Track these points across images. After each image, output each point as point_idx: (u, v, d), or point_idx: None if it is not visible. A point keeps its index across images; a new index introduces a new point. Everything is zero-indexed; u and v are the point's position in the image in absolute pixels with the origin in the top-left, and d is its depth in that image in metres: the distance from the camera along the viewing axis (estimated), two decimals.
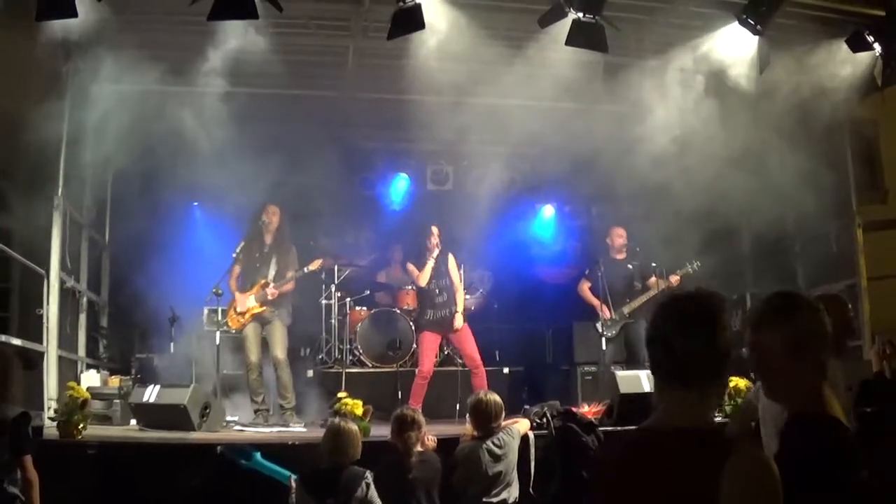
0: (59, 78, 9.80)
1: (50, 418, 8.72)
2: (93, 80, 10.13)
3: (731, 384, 9.51)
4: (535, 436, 8.04)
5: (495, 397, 7.37)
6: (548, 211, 15.82)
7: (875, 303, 11.64)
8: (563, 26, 9.63)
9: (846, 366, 4.84)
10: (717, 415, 9.69)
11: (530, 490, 7.72)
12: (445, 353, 12.41)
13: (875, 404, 8.22)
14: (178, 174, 10.89)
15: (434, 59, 10.06)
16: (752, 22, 9.88)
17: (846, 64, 10.70)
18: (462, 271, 11.71)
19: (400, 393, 11.16)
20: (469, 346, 10.91)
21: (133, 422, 9.82)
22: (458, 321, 10.90)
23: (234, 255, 10.84)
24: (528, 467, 7.81)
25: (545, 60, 10.45)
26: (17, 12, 9.38)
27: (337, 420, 6.76)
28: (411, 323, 12.84)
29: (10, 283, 11.96)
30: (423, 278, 11.00)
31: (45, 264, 10.26)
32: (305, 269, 11.04)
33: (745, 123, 10.93)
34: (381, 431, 8.21)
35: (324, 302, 13.30)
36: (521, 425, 7.69)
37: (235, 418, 10.50)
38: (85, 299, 12.14)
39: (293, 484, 6.49)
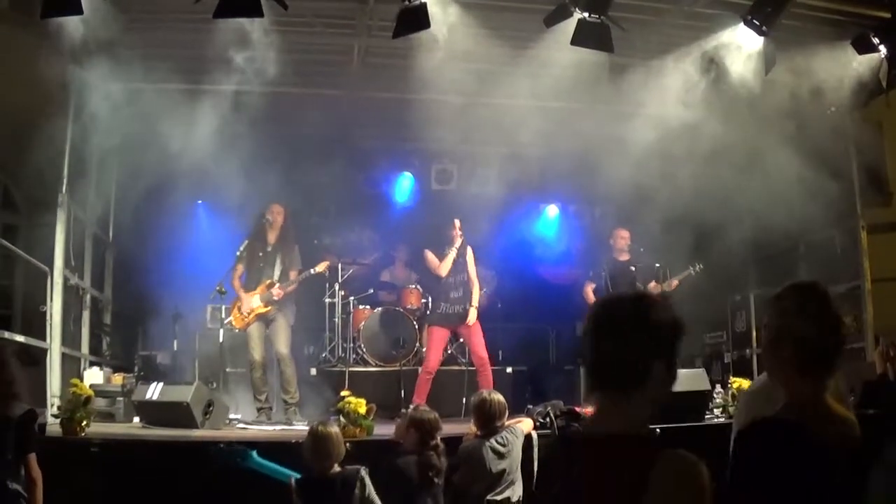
0: (63, 76, 9.80)
1: (53, 415, 8.73)
2: (97, 79, 10.14)
3: (735, 385, 9.52)
4: (539, 435, 8.03)
5: (499, 397, 7.36)
6: (552, 211, 15.83)
7: (879, 305, 11.63)
8: (569, 26, 9.62)
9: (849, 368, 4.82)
10: (714, 416, 9.75)
11: (533, 489, 7.71)
12: (448, 352, 12.39)
13: (878, 406, 8.21)
14: (183, 172, 10.89)
15: (439, 58, 10.05)
16: (757, 23, 9.87)
17: (851, 66, 10.69)
18: (476, 267, 11.66)
19: (403, 392, 11.16)
20: (479, 342, 10.89)
21: (136, 419, 9.83)
22: (472, 316, 10.90)
23: (237, 254, 10.83)
24: (531, 467, 7.80)
25: (550, 60, 10.43)
26: (22, 10, 9.39)
27: (316, 424, 6.61)
28: (415, 322, 12.85)
29: (14, 281, 12.00)
30: (444, 268, 11.00)
31: (49, 262, 10.26)
32: (312, 271, 11.06)
33: (750, 125, 10.93)
34: (384, 430, 8.22)
35: (327, 300, 13.29)
36: (525, 425, 7.67)
37: (238, 416, 10.50)
38: (88, 297, 12.14)
39: (293, 483, 6.46)
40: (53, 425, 8.40)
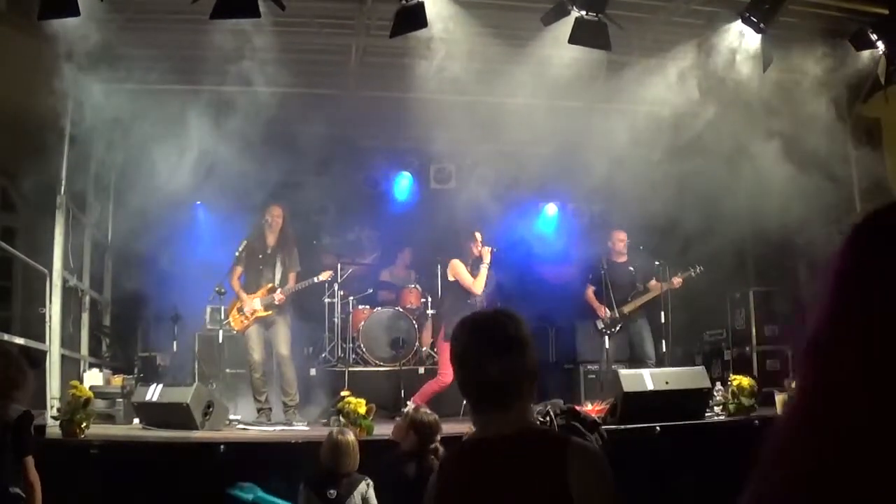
0: (61, 77, 9.78)
1: (53, 417, 8.72)
2: (95, 79, 10.13)
3: (735, 382, 9.52)
4: None
5: None
6: (551, 209, 15.81)
7: None
8: (567, 24, 9.64)
9: None
10: (714, 414, 9.74)
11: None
12: None
13: None
14: (181, 173, 10.88)
15: (437, 57, 10.06)
16: (755, 20, 9.89)
17: (850, 62, 10.70)
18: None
19: (403, 392, 11.15)
20: None
21: (136, 421, 9.81)
22: None
23: (236, 255, 10.81)
24: None
25: (548, 59, 10.45)
26: (20, 12, 9.40)
27: (334, 432, 6.76)
28: (415, 322, 12.84)
29: (13, 282, 11.99)
30: (479, 285, 10.73)
31: (48, 263, 10.25)
32: (315, 279, 11.06)
33: (748, 122, 10.93)
34: (384, 430, 8.22)
35: (327, 300, 13.27)
36: None
37: (238, 417, 10.50)
38: (87, 298, 12.15)
39: (302, 484, 6.52)
40: (53, 427, 8.39)
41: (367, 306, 13.46)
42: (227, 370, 11.15)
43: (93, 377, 11.09)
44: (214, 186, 11.32)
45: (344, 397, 8.81)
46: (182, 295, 11.67)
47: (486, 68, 10.65)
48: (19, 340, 9.09)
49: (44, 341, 9.85)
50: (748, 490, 1.26)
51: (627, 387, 9.00)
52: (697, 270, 11.61)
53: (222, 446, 7.83)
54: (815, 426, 1.22)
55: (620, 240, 12.08)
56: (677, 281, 11.55)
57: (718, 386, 10.09)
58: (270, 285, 10.82)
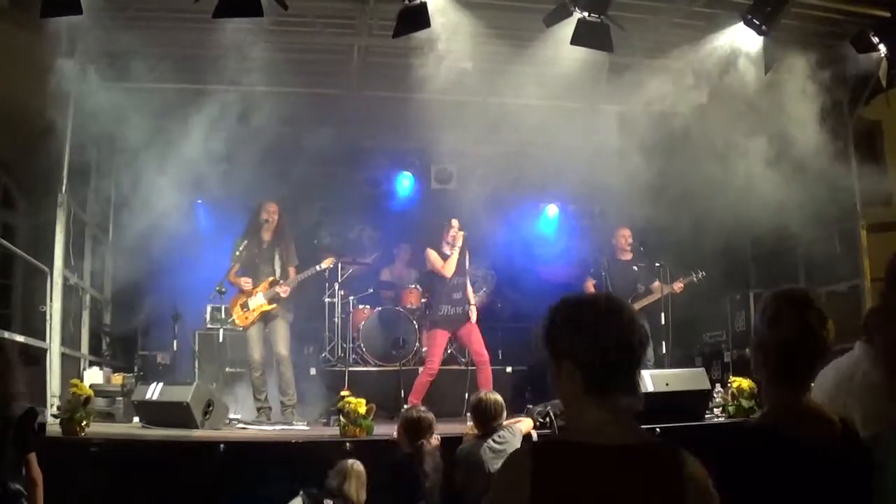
0: (63, 75, 9.79)
1: (53, 415, 8.72)
2: (97, 77, 10.13)
3: (735, 384, 9.51)
4: (539, 435, 8.02)
5: (496, 397, 7.35)
6: (551, 210, 15.83)
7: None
8: (569, 25, 9.64)
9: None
10: (714, 416, 9.75)
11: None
12: (448, 351, 12.36)
13: None
14: (182, 171, 10.88)
15: (439, 57, 10.06)
16: (757, 22, 9.88)
17: (851, 65, 10.70)
18: (471, 268, 11.65)
19: (403, 391, 11.16)
20: (478, 340, 10.87)
21: (136, 419, 9.82)
22: (474, 314, 10.93)
23: (236, 254, 10.78)
24: None
25: (550, 59, 10.46)
26: (22, 10, 9.40)
27: (349, 463, 6.77)
28: (415, 322, 12.83)
29: (14, 280, 11.99)
30: (449, 269, 10.90)
31: (49, 261, 10.25)
32: (318, 268, 11.05)
33: (750, 123, 10.93)
34: (384, 430, 8.22)
35: (327, 300, 13.27)
36: (524, 424, 7.67)
37: (238, 416, 10.49)
38: (88, 296, 12.15)
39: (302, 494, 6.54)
40: (53, 425, 8.39)
41: (368, 306, 13.47)
42: (227, 369, 11.15)
43: (93, 375, 11.09)
44: (215, 185, 11.32)
45: (344, 397, 8.82)
46: (182, 294, 11.66)
47: (488, 69, 10.66)
48: (19, 338, 9.09)
49: (44, 339, 9.85)
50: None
51: None
52: (699, 276, 11.62)
53: (222, 445, 7.83)
54: None
55: (624, 236, 12.07)
56: (679, 286, 11.56)
57: (718, 388, 10.10)
58: (271, 279, 10.81)
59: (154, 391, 9.41)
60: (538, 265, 14.89)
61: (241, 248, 10.77)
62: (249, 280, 10.78)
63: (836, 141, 11.12)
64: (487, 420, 7.19)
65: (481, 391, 7.82)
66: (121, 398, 10.44)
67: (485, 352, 10.80)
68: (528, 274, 14.51)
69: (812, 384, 3.24)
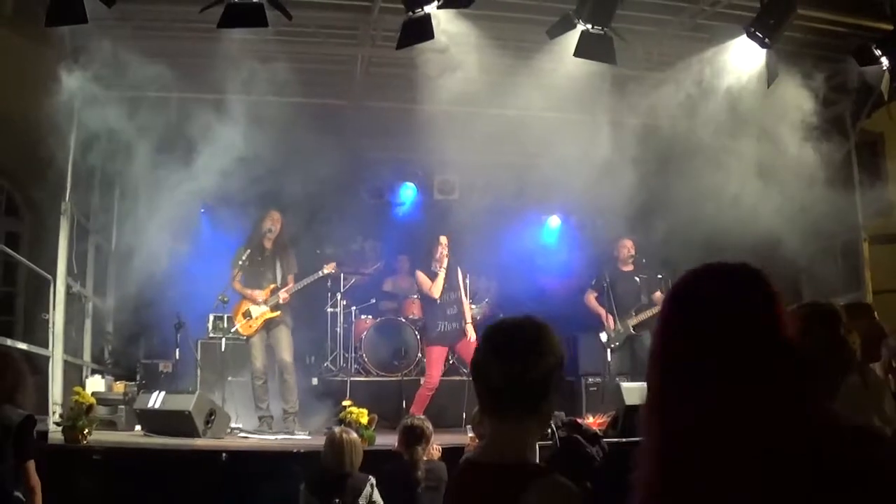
0: (67, 84, 9.82)
1: (55, 423, 8.73)
2: (102, 86, 10.15)
3: None
4: (540, 446, 8.01)
5: None
6: (554, 221, 15.84)
7: (881, 316, 11.60)
8: (572, 38, 9.65)
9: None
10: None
11: None
12: (450, 362, 12.35)
13: None
14: (186, 180, 10.90)
15: (442, 68, 10.08)
16: (760, 35, 9.88)
17: (853, 77, 10.71)
18: (467, 281, 11.67)
19: (405, 402, 11.17)
20: None
21: (138, 427, 9.82)
22: (472, 334, 10.90)
23: (240, 263, 10.79)
24: None
25: (553, 71, 10.47)
26: (27, 18, 9.43)
27: (336, 430, 6.79)
28: (417, 332, 12.83)
29: (17, 288, 12.01)
30: (437, 290, 10.89)
31: (52, 269, 10.26)
32: (321, 273, 11.07)
33: (752, 136, 10.94)
34: (386, 440, 8.22)
35: (329, 310, 13.29)
36: None
37: (240, 425, 10.49)
38: (91, 304, 12.16)
39: (303, 484, 6.53)
40: (55, 433, 8.40)
41: (370, 316, 13.49)
42: (230, 378, 11.14)
43: (95, 383, 11.09)
44: (218, 194, 11.34)
45: (346, 407, 8.83)
46: (185, 302, 11.67)
47: (492, 80, 10.67)
48: (22, 346, 9.10)
49: (47, 347, 9.85)
50: None
51: (629, 400, 9.00)
52: None
53: (224, 454, 7.84)
54: None
55: (626, 247, 12.03)
56: None
57: None
58: (273, 286, 10.83)
59: (156, 400, 9.41)
60: (540, 276, 14.90)
61: (244, 257, 10.77)
62: (258, 292, 10.79)
63: (838, 153, 11.14)
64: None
65: None
66: (123, 406, 10.46)
67: None
68: (530, 285, 14.51)
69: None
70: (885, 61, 10.13)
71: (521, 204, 14.50)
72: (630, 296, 11.77)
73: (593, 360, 12.60)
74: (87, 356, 11.92)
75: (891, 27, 10.20)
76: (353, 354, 12.98)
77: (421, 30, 9.33)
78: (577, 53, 9.67)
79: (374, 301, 13.92)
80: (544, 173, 12.98)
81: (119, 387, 11.09)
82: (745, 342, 2.07)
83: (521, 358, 2.59)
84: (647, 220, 12.17)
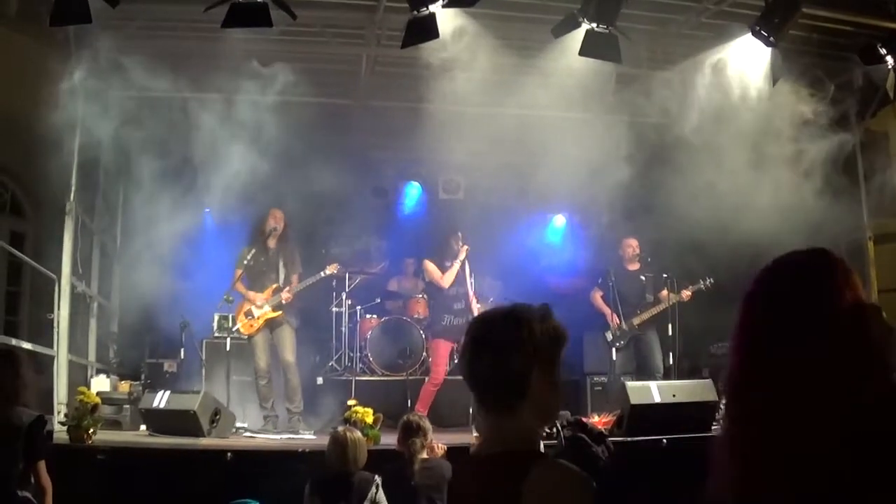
0: (72, 83, 9.83)
1: (60, 423, 8.73)
2: (106, 87, 10.17)
3: None
4: (545, 446, 8.00)
5: None
6: (559, 220, 15.83)
7: (886, 316, 11.58)
8: (577, 37, 9.65)
9: None
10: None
11: None
12: (455, 360, 12.34)
13: None
14: (191, 180, 10.91)
15: (447, 68, 10.07)
16: (765, 33, 9.87)
17: (857, 76, 10.69)
18: (473, 279, 11.67)
19: (410, 401, 11.16)
20: None
21: (143, 427, 9.83)
22: None
23: (244, 263, 10.78)
24: None
25: (558, 70, 10.46)
26: (31, 18, 9.44)
27: (340, 430, 6.81)
28: (422, 332, 12.83)
29: (22, 287, 12.01)
30: (448, 280, 10.95)
31: (57, 269, 10.27)
32: (323, 273, 11.06)
33: (757, 135, 10.92)
34: (391, 439, 8.22)
35: (335, 309, 13.29)
36: None
37: (245, 425, 10.50)
38: (96, 304, 12.16)
39: (308, 483, 6.54)
40: (60, 433, 8.40)
41: (375, 315, 13.49)
42: (234, 377, 11.14)
43: (100, 383, 11.09)
44: (223, 194, 11.34)
45: (351, 406, 8.83)
46: (190, 302, 11.67)
47: (497, 79, 10.66)
48: (27, 346, 9.10)
49: (52, 347, 9.86)
50: None
51: (635, 399, 8.99)
52: (708, 283, 11.56)
53: (229, 454, 7.84)
54: None
55: (631, 246, 12.02)
56: (687, 294, 11.50)
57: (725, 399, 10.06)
58: (276, 286, 10.82)
59: (161, 399, 9.42)
60: (545, 275, 14.89)
61: (248, 257, 10.76)
62: (258, 294, 10.78)
63: (843, 152, 11.12)
64: None
65: None
66: (128, 406, 10.44)
67: None
68: (535, 284, 14.50)
69: None
70: (890, 60, 10.12)
71: (526, 203, 14.50)
72: (635, 294, 11.77)
73: (598, 360, 12.59)
74: (92, 356, 11.91)
75: None
76: (359, 354, 12.99)
77: (426, 29, 9.32)
78: (583, 52, 9.66)
79: (378, 300, 13.92)
80: (549, 172, 12.98)
81: (124, 386, 11.09)
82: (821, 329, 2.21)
83: (497, 349, 2.56)
84: (652, 219, 12.15)
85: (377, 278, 14.42)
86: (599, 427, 8.61)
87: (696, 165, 10.74)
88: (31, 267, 10.92)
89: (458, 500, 2.76)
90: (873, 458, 1.99)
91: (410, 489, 6.77)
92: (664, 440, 8.37)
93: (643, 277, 11.89)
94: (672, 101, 10.84)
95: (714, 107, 10.74)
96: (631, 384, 9.54)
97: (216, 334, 12.04)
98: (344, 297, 13.18)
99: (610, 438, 8.27)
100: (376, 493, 6.35)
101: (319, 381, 12.31)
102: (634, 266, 12.00)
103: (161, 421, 9.36)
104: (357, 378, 12.15)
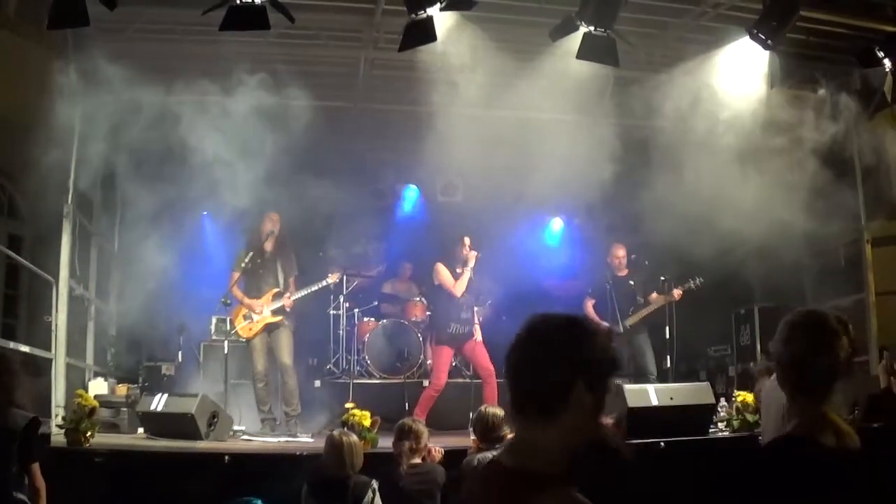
0: (70, 86, 9.82)
1: (58, 426, 8.71)
2: (104, 89, 10.15)
3: (739, 398, 9.50)
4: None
5: (497, 410, 7.39)
6: (556, 224, 15.83)
7: (883, 318, 11.63)
8: (575, 39, 9.65)
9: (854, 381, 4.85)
10: (718, 430, 9.70)
11: None
12: (454, 364, 12.35)
13: (883, 420, 8.22)
14: (188, 183, 10.91)
15: (445, 70, 10.08)
16: (763, 36, 9.88)
17: (855, 79, 10.70)
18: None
19: (407, 404, 11.15)
20: (484, 355, 10.88)
21: (141, 430, 9.81)
22: (479, 334, 10.95)
23: (242, 265, 10.77)
24: None
25: (556, 73, 10.46)
26: (29, 20, 9.44)
27: (336, 433, 6.82)
28: (420, 334, 12.82)
29: (19, 290, 12.00)
30: (460, 288, 10.89)
31: (55, 272, 10.27)
32: (325, 282, 11.06)
33: (755, 137, 10.93)
34: (389, 443, 8.22)
35: (332, 312, 13.28)
36: None
37: (243, 428, 10.49)
38: (93, 307, 12.16)
39: (305, 485, 6.55)
40: (58, 436, 8.39)
41: (373, 318, 13.47)
42: (232, 381, 11.14)
43: (98, 386, 11.09)
44: (221, 197, 11.33)
45: (349, 409, 8.82)
46: (188, 305, 11.67)
47: (494, 82, 10.67)
48: (25, 348, 9.10)
49: (49, 350, 9.86)
50: None
51: (632, 402, 8.98)
52: (697, 282, 11.56)
53: (227, 457, 7.84)
54: None
55: (618, 254, 12.06)
56: (677, 293, 11.50)
57: (723, 402, 10.08)
58: (276, 290, 10.81)
59: (159, 402, 9.40)
60: (543, 278, 14.89)
61: (245, 260, 10.75)
62: (256, 301, 10.77)
63: (840, 155, 11.13)
64: (489, 431, 7.24)
65: (483, 406, 7.84)
66: (125, 409, 10.45)
67: (490, 365, 10.77)
68: (533, 287, 14.50)
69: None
70: (887, 63, 10.13)
71: (524, 206, 14.47)
72: (626, 300, 11.77)
73: None
74: (89, 359, 11.92)
75: (894, 29, 10.20)
76: (356, 357, 12.97)
77: (423, 32, 9.33)
78: (580, 56, 9.67)
79: (376, 303, 13.92)
80: (547, 175, 12.98)
81: (122, 389, 11.10)
82: None
83: (552, 347, 2.48)
84: (650, 222, 12.15)
85: (375, 281, 14.42)
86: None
87: (694, 168, 10.74)
88: (28, 270, 10.92)
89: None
90: None
91: (394, 491, 6.78)
92: (662, 443, 8.36)
93: (632, 282, 11.91)
94: (670, 104, 10.84)
95: (711, 110, 10.75)
96: (629, 387, 9.52)
97: (214, 337, 12.06)
98: (341, 300, 13.16)
99: None
100: (373, 498, 6.34)
101: (317, 384, 12.30)
102: (623, 272, 12.04)
103: (159, 424, 9.35)
104: (355, 381, 12.13)
